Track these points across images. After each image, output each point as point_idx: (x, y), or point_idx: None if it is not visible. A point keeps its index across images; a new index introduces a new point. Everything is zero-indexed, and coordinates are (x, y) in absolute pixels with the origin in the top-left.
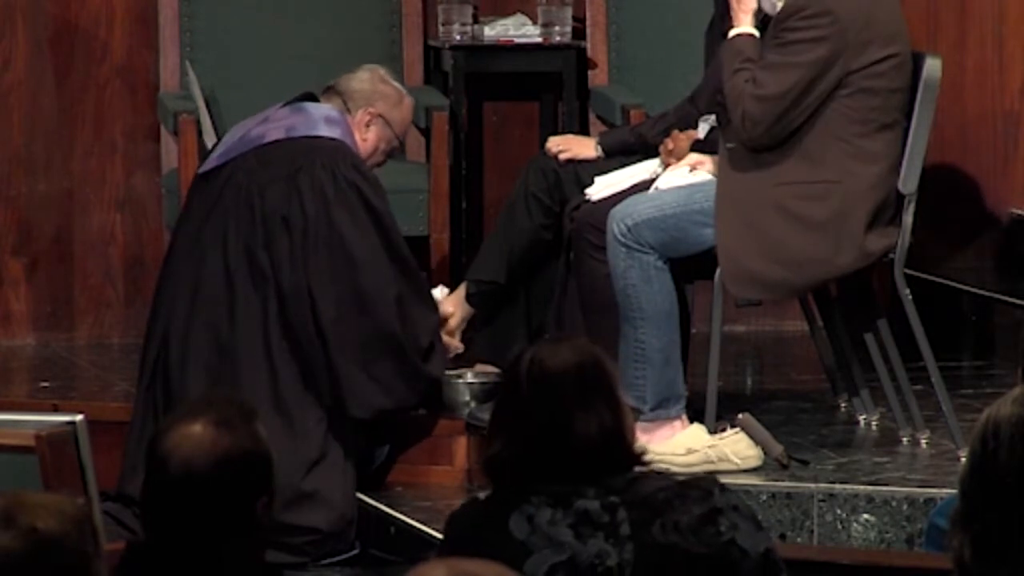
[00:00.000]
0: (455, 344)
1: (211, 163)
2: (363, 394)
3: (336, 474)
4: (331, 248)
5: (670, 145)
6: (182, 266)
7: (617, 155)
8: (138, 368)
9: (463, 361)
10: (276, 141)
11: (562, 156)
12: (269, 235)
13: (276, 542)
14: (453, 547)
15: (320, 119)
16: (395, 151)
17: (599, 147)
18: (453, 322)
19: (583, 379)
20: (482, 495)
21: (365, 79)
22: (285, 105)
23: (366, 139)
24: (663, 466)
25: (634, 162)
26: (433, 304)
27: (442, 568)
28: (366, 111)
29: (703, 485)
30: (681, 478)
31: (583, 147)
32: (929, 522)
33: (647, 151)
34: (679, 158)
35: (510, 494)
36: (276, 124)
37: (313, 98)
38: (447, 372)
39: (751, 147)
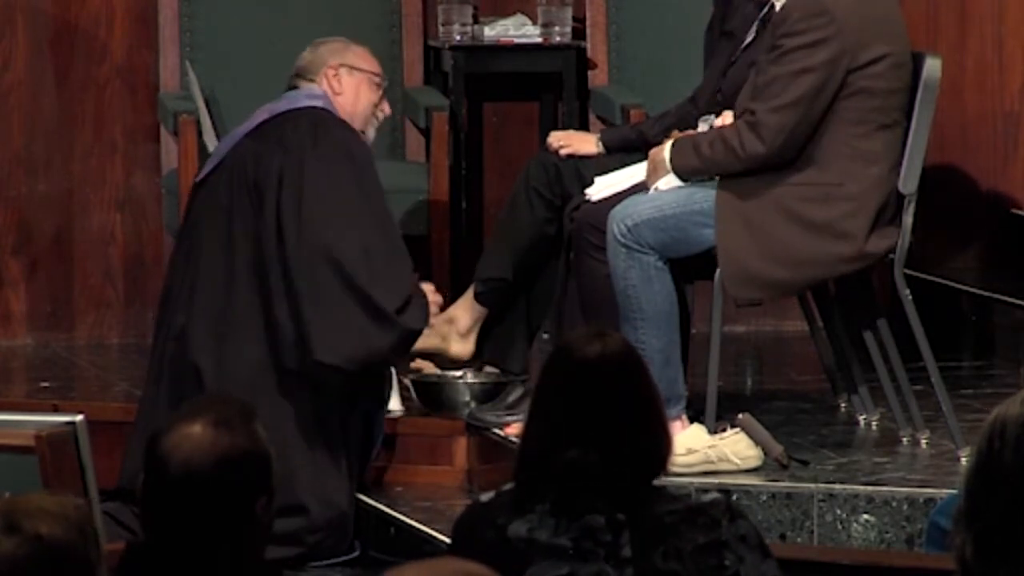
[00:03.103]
0: (468, 348)
1: (207, 169)
2: (328, 338)
3: (337, 466)
4: (303, 195)
5: None
6: (186, 264)
7: (618, 152)
8: (147, 366)
9: (463, 361)
10: (264, 121)
11: (563, 151)
12: (262, 198)
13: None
14: (456, 552)
15: (302, 96)
16: (384, 87)
17: (600, 143)
18: (464, 324)
19: (623, 375)
20: (484, 498)
21: (305, 54)
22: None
23: (341, 92)
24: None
25: (634, 161)
26: (408, 259)
27: (414, 570)
28: (324, 71)
29: (712, 513)
30: (692, 501)
31: (584, 143)
32: (930, 521)
33: (648, 149)
34: None
35: (513, 498)
36: (260, 113)
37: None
38: (447, 373)
39: (776, 161)
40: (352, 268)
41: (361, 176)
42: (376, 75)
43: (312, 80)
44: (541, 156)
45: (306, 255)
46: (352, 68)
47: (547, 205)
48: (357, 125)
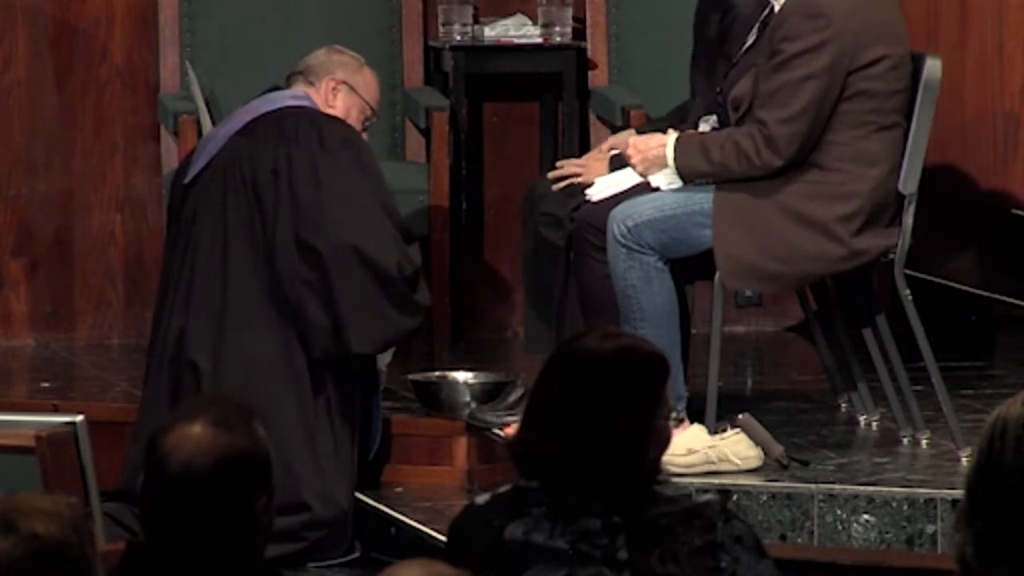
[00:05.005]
0: None
1: (195, 169)
2: (363, 331)
3: (338, 464)
4: (321, 190)
5: None
6: (182, 264)
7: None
8: (144, 367)
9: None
10: (252, 120)
11: (572, 181)
12: (259, 193)
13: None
14: (453, 554)
15: (286, 96)
16: (370, 121)
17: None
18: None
19: (629, 376)
20: (480, 500)
21: (320, 53)
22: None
23: (334, 107)
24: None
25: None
26: (410, 235)
27: (416, 568)
28: (328, 80)
29: (708, 515)
30: (688, 503)
31: (598, 168)
32: None
33: None
34: None
35: (511, 500)
36: (244, 113)
37: (278, 89)
38: (447, 373)
39: (788, 167)
40: (379, 261)
41: (369, 165)
42: (370, 108)
43: (312, 83)
44: (532, 195)
45: (334, 252)
46: (352, 90)
47: (558, 223)
48: None
